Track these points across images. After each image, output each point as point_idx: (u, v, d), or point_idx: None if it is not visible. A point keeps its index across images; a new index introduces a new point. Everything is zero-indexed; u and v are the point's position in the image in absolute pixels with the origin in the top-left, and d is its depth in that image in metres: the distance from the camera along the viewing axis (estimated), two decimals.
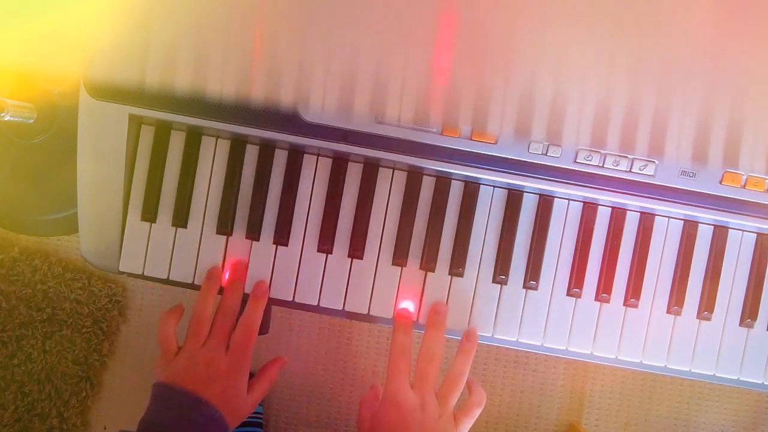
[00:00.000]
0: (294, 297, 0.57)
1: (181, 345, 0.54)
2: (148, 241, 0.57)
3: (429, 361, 0.52)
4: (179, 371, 0.52)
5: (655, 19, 0.21)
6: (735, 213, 0.55)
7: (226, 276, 0.56)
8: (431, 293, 0.57)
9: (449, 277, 0.57)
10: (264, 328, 0.60)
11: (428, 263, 0.56)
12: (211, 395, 0.50)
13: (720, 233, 0.57)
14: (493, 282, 0.57)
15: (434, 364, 0.52)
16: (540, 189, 0.56)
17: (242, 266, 0.56)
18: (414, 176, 0.57)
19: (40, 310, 0.92)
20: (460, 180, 0.57)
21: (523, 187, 0.56)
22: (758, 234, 0.58)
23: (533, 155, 0.54)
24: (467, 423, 0.52)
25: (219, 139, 0.57)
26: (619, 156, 0.54)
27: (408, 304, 0.56)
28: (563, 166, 0.55)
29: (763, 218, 0.55)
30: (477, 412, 0.52)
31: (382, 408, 0.51)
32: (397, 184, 0.57)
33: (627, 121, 0.43)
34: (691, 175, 0.55)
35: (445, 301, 0.56)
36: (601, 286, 0.57)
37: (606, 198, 0.55)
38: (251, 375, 0.55)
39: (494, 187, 0.57)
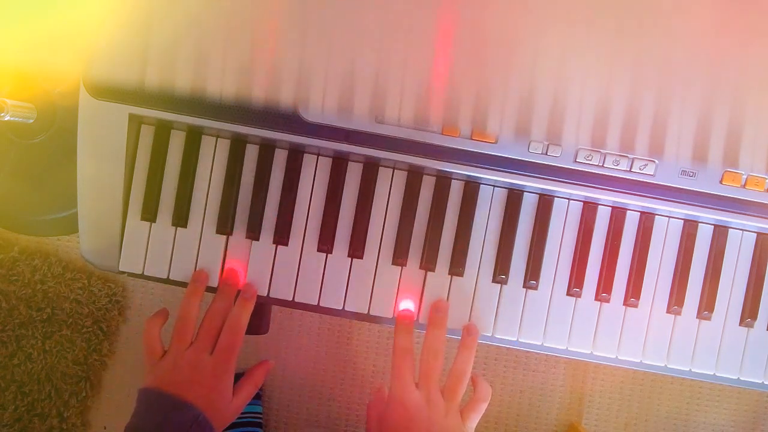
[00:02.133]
0: (294, 297, 0.57)
1: (167, 349, 0.54)
2: (148, 240, 0.57)
3: (433, 358, 0.52)
4: (163, 374, 0.52)
5: (656, 18, 0.21)
6: (735, 213, 0.55)
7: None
8: (431, 293, 0.57)
9: (449, 276, 0.57)
10: (264, 328, 0.60)
11: (428, 263, 0.56)
12: (195, 397, 0.50)
13: (720, 233, 0.57)
14: (493, 282, 0.57)
15: (438, 361, 0.52)
16: (540, 188, 0.56)
17: (236, 272, 0.56)
18: (414, 176, 0.57)
19: (40, 310, 0.92)
20: (461, 179, 0.57)
21: (523, 186, 0.56)
22: (758, 234, 0.58)
23: (533, 155, 0.54)
24: (474, 418, 0.52)
25: (219, 139, 0.57)
26: (619, 155, 0.54)
27: (408, 304, 0.56)
28: (563, 166, 0.55)
29: (764, 218, 0.55)
30: (483, 407, 0.52)
31: (388, 409, 0.51)
32: (397, 183, 0.57)
33: (627, 121, 0.43)
34: (691, 174, 0.55)
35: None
36: (601, 286, 0.57)
37: (606, 198, 0.55)
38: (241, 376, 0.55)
39: (494, 186, 0.57)
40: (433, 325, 0.54)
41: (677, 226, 0.57)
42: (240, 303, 0.55)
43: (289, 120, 0.54)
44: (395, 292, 0.57)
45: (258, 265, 0.57)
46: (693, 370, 0.57)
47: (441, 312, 0.55)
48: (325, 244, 0.56)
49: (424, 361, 0.52)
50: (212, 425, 0.51)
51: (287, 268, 0.57)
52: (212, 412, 0.51)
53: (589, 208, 0.57)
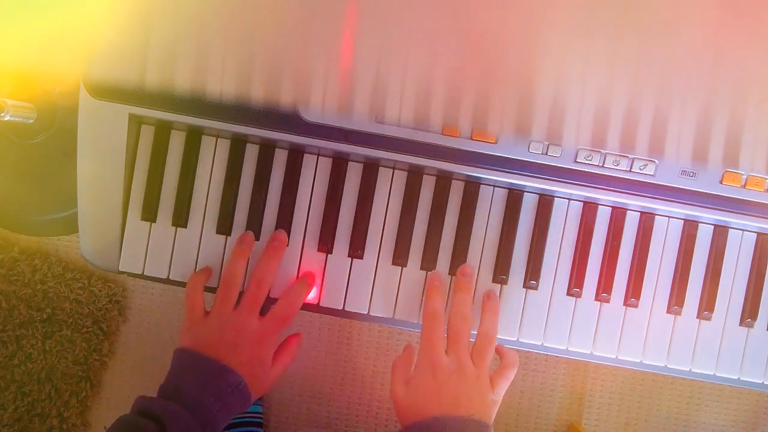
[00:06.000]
0: None
1: (208, 310, 0.53)
2: (148, 240, 0.57)
3: (461, 323, 0.51)
4: (207, 335, 0.51)
5: (656, 18, 0.21)
6: (735, 213, 0.55)
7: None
8: None
9: (449, 277, 0.57)
10: None
11: (428, 263, 0.56)
12: (237, 363, 0.49)
13: (720, 233, 0.57)
14: (493, 282, 0.57)
15: (466, 325, 0.51)
16: (540, 189, 0.56)
17: (282, 238, 0.56)
18: (414, 176, 0.57)
19: (40, 310, 0.92)
20: (461, 180, 0.57)
21: (524, 186, 0.56)
22: (758, 234, 0.58)
23: (533, 155, 0.54)
24: (503, 385, 0.51)
25: (219, 139, 0.57)
26: (620, 155, 0.54)
27: (437, 275, 0.56)
28: (563, 166, 0.55)
29: (764, 218, 0.55)
30: (512, 373, 0.52)
31: (418, 373, 0.50)
32: (397, 183, 0.57)
33: (627, 121, 0.43)
34: (691, 174, 0.55)
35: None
36: (601, 286, 0.57)
37: (606, 198, 0.55)
38: None
39: (494, 186, 0.57)
40: (460, 289, 0.53)
41: (677, 226, 0.57)
42: (302, 280, 0.55)
43: (289, 120, 0.54)
44: (395, 292, 0.57)
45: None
46: (693, 370, 0.57)
47: (467, 276, 0.54)
48: (325, 244, 0.56)
49: (452, 325, 0.51)
50: (251, 393, 0.50)
51: (287, 269, 0.57)
52: (252, 379, 0.50)
53: (589, 208, 0.57)
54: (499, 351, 0.53)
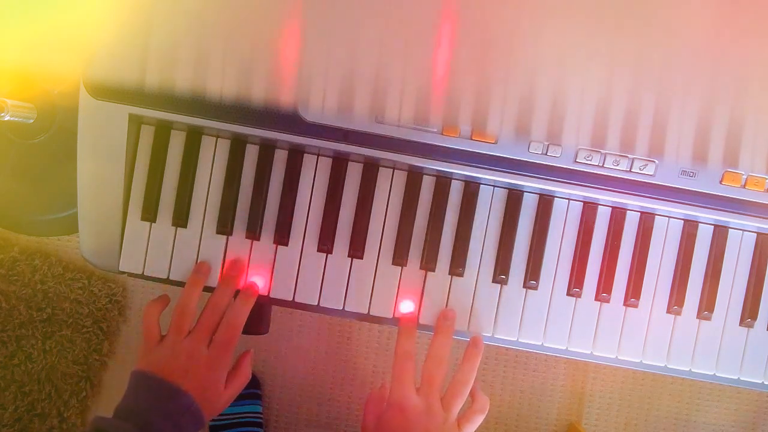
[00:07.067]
0: (294, 297, 0.57)
1: (164, 335, 0.54)
2: (148, 240, 0.57)
3: (436, 366, 0.52)
4: (160, 360, 0.52)
5: (656, 17, 0.21)
6: (735, 213, 0.55)
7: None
8: (431, 293, 0.57)
9: (449, 276, 0.57)
10: (264, 328, 0.60)
11: (428, 263, 0.56)
12: (189, 387, 0.51)
13: (720, 233, 0.57)
14: (493, 282, 0.57)
15: (441, 369, 0.52)
16: (540, 189, 0.56)
17: (239, 265, 0.56)
18: (414, 176, 0.57)
19: (40, 310, 0.92)
20: (460, 180, 0.57)
21: (523, 186, 0.56)
22: (758, 234, 0.58)
23: (533, 155, 0.54)
24: (470, 429, 0.52)
25: (219, 139, 0.57)
26: (619, 156, 0.54)
27: (409, 305, 0.56)
28: (563, 166, 0.55)
29: (764, 218, 0.55)
30: (480, 419, 0.53)
31: (387, 412, 0.51)
32: (397, 184, 0.57)
33: (627, 121, 0.43)
34: (691, 174, 0.55)
35: (446, 301, 0.56)
36: (601, 286, 0.57)
37: (606, 198, 0.55)
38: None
39: (494, 186, 0.57)
40: (440, 333, 0.54)
41: (677, 226, 0.57)
42: (241, 299, 0.55)
43: (289, 120, 0.54)
44: (395, 292, 0.57)
45: (258, 265, 0.57)
46: (693, 370, 0.57)
47: (449, 320, 0.55)
48: (325, 244, 0.56)
49: (427, 368, 0.52)
50: (203, 415, 0.51)
51: (287, 268, 0.57)
52: (204, 402, 0.51)
53: (589, 208, 0.57)
54: (472, 393, 0.54)
